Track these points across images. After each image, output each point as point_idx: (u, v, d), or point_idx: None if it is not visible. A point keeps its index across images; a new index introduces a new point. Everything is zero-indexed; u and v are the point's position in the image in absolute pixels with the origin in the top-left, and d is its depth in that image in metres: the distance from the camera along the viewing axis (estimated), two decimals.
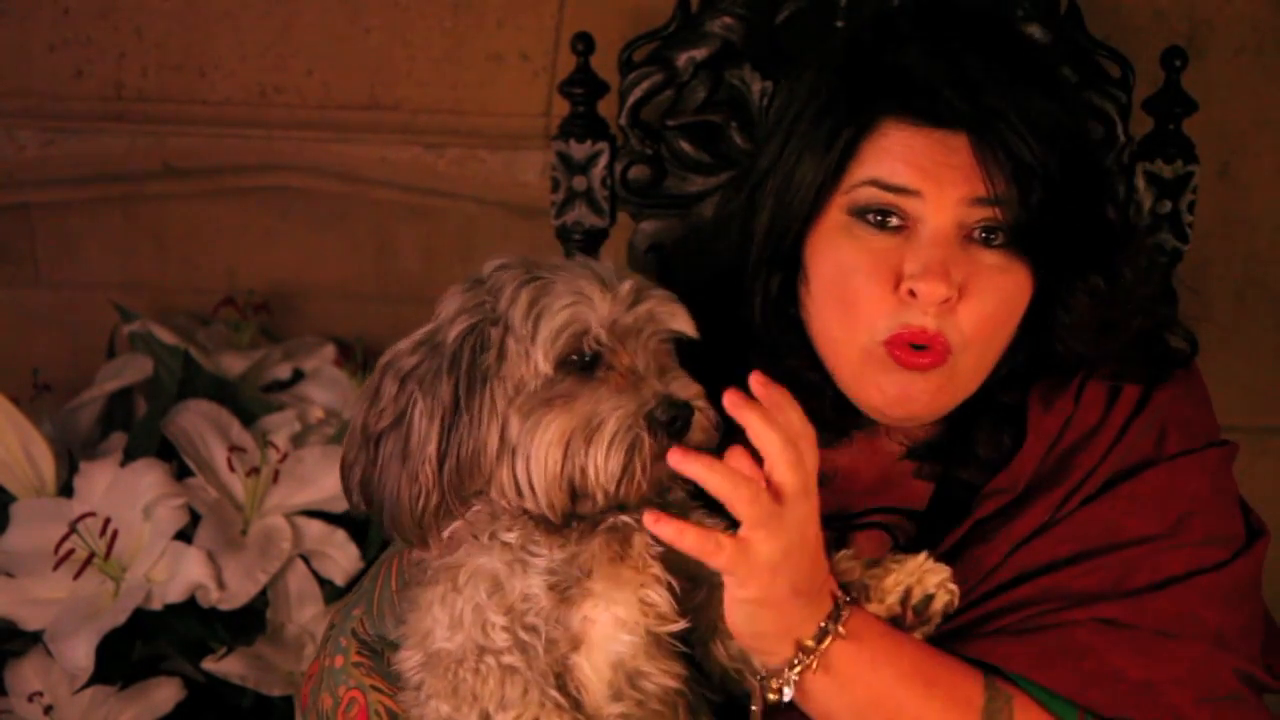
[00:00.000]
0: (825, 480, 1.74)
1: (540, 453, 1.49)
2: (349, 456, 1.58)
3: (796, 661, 1.53)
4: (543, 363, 1.49)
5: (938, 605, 1.56)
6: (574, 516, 1.53)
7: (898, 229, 1.64)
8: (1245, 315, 2.71)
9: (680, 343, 1.59)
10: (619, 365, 1.51)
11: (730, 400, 1.43)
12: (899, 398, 1.67)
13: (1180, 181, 2.16)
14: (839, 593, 1.55)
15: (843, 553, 1.61)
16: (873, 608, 1.56)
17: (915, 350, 1.63)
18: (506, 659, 1.50)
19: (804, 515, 1.48)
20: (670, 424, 1.48)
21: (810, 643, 1.52)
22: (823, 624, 1.52)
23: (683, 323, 1.56)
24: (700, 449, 1.48)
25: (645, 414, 1.48)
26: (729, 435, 1.50)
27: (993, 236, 1.64)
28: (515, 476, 1.51)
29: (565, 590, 1.53)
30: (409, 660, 1.58)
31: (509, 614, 1.51)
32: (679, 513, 1.53)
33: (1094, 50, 2.17)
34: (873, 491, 1.79)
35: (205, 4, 2.79)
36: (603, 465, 1.48)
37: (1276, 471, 2.45)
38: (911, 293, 1.61)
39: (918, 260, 1.61)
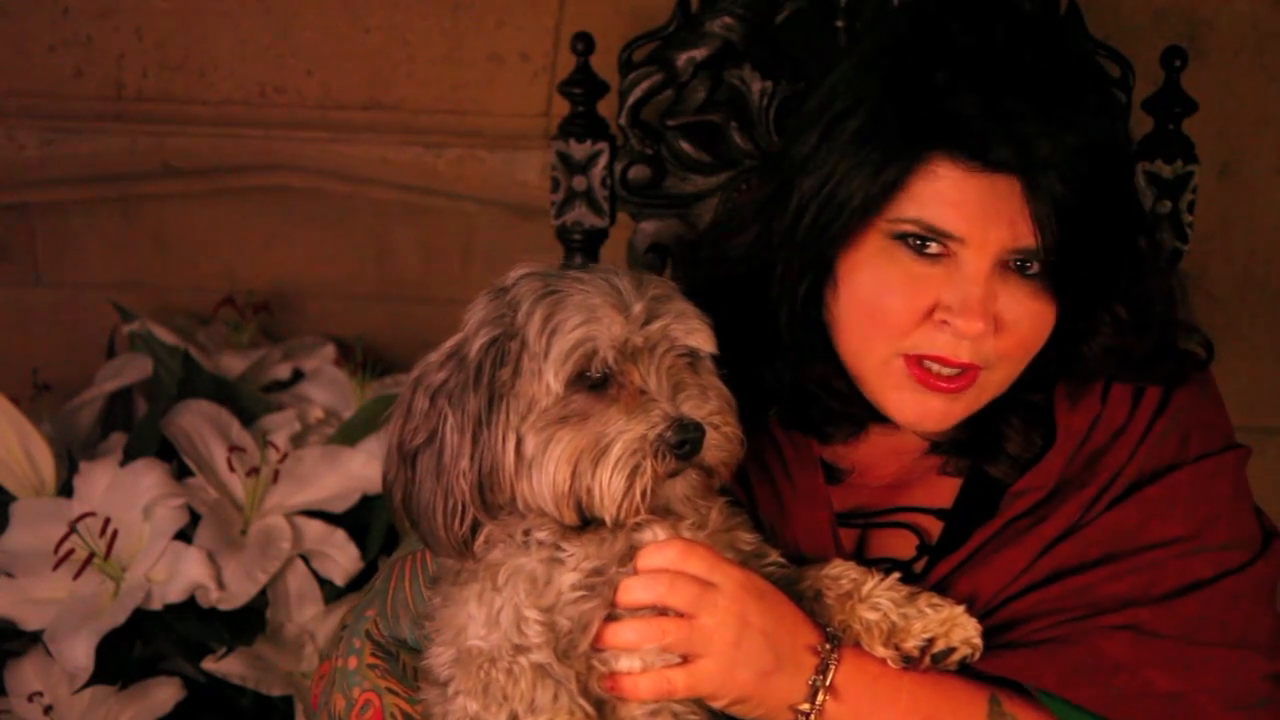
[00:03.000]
0: (843, 475, 1.77)
1: (550, 470, 1.50)
2: (390, 475, 1.57)
3: None
4: (553, 382, 1.50)
5: (955, 658, 1.58)
6: (591, 521, 1.54)
7: (937, 256, 1.63)
8: (1245, 315, 2.71)
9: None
10: (629, 385, 1.51)
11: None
12: (918, 416, 1.68)
13: (1180, 181, 2.16)
14: (823, 646, 1.58)
15: (839, 568, 1.62)
16: (881, 651, 1.57)
17: (941, 377, 1.64)
18: (536, 656, 1.51)
19: (725, 609, 1.54)
20: (679, 446, 1.50)
21: (805, 705, 1.57)
22: (811, 681, 1.57)
23: (700, 339, 1.55)
24: (716, 469, 1.55)
25: (654, 438, 1.49)
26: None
27: (1028, 266, 1.64)
28: (531, 490, 1.52)
29: (595, 593, 1.55)
30: (441, 656, 1.58)
31: (544, 611, 1.52)
32: (744, 560, 1.61)
33: (1094, 50, 2.17)
34: (896, 488, 1.79)
35: (205, 4, 2.79)
36: (606, 487, 1.49)
37: (1277, 471, 2.45)
38: (945, 323, 1.62)
39: (956, 294, 1.61)
